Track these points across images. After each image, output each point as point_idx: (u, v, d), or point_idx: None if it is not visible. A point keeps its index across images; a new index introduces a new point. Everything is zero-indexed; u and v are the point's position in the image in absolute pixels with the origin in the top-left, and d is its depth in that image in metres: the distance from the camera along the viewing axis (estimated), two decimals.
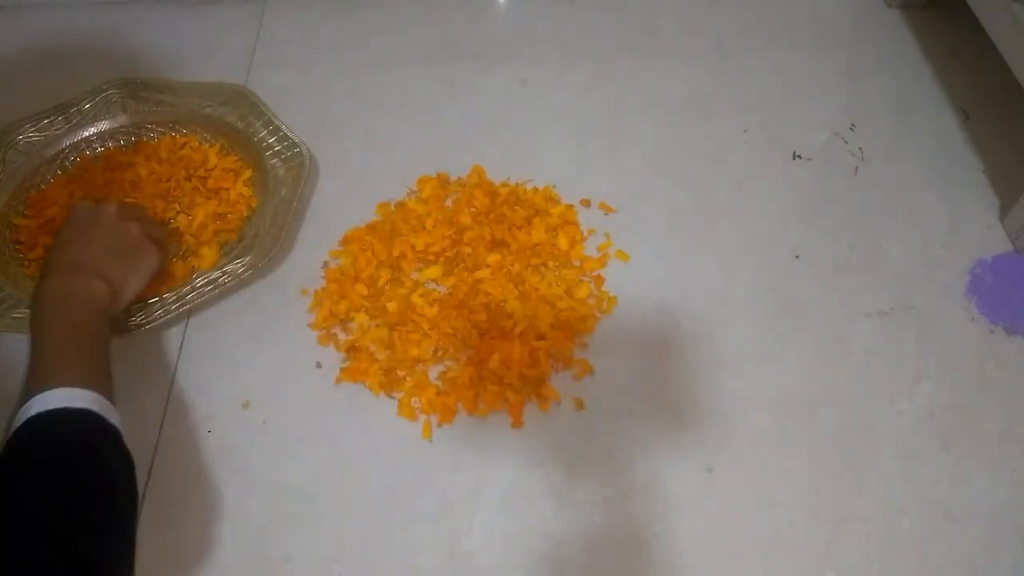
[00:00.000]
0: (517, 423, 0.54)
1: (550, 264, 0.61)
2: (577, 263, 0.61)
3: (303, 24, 0.82)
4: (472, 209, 0.64)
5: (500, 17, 0.83)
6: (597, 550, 0.49)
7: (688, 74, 0.76)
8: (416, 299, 0.59)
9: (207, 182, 0.66)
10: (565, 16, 0.82)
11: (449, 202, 0.66)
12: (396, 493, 0.52)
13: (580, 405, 0.55)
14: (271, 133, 0.68)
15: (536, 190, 0.66)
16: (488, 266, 0.60)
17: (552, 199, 0.65)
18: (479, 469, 0.53)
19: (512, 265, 0.60)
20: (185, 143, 0.69)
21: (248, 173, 0.67)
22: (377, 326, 0.58)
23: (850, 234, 0.64)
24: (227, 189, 0.66)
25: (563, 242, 0.62)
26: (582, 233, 0.63)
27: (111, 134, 0.70)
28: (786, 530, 0.50)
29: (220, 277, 0.59)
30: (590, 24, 0.81)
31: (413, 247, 0.61)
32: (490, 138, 0.71)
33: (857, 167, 0.68)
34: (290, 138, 0.67)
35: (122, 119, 0.70)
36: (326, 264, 0.63)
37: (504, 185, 0.66)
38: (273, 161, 0.66)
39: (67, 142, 0.69)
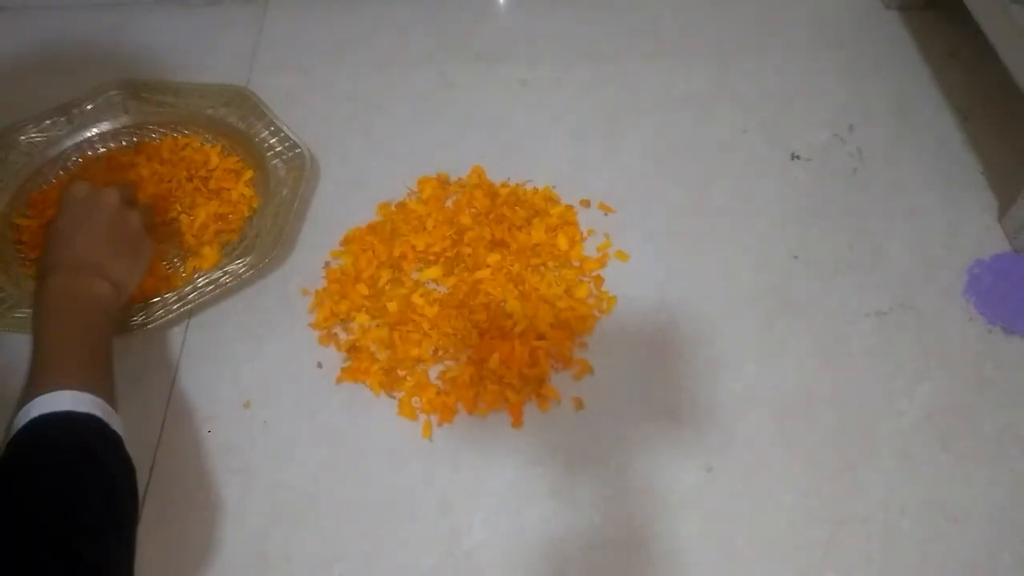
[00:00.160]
0: (517, 423, 0.54)
1: (550, 264, 0.61)
2: (577, 263, 0.62)
3: (304, 25, 0.82)
4: (472, 209, 0.64)
5: (500, 17, 0.83)
6: (597, 550, 0.49)
7: (688, 74, 0.76)
8: (416, 299, 0.59)
9: (208, 183, 0.66)
10: (565, 16, 0.82)
11: (449, 202, 0.66)
12: (396, 493, 0.52)
13: (580, 405, 0.55)
14: (272, 134, 0.68)
15: (536, 190, 0.66)
16: (488, 266, 0.60)
17: (552, 199, 0.66)
18: (479, 469, 0.53)
19: (512, 265, 0.60)
20: (187, 144, 0.69)
21: (249, 174, 0.67)
22: (378, 326, 0.58)
23: (849, 234, 0.64)
24: (228, 190, 0.66)
25: (563, 242, 0.62)
26: (582, 233, 0.64)
27: (113, 135, 0.70)
28: (786, 530, 0.50)
29: (221, 277, 0.59)
30: (590, 24, 0.81)
31: (414, 247, 0.62)
32: (490, 138, 0.71)
33: (856, 168, 0.68)
34: (291, 139, 0.67)
35: (124, 120, 0.70)
36: (327, 264, 0.63)
37: (504, 185, 0.66)
38: (274, 162, 0.66)
39: (69, 143, 0.69)
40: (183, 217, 0.64)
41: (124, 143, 0.70)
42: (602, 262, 0.62)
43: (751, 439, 0.53)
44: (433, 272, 0.61)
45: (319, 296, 0.61)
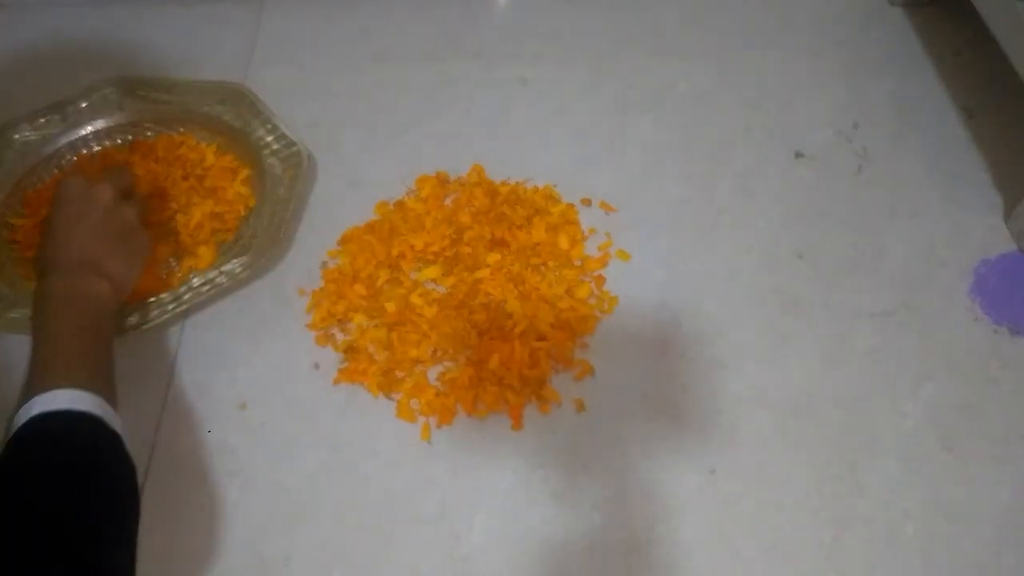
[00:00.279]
0: (517, 424, 0.54)
1: (550, 264, 0.61)
2: (578, 263, 0.61)
3: (301, 22, 0.81)
4: (472, 208, 0.63)
5: (500, 15, 0.82)
6: (598, 551, 0.49)
7: (690, 72, 0.75)
8: (415, 299, 0.58)
9: (204, 181, 0.66)
10: (565, 14, 0.81)
11: (449, 201, 0.65)
12: (395, 495, 0.52)
13: (581, 406, 0.55)
14: (269, 132, 0.67)
15: (536, 189, 0.66)
16: (488, 266, 0.60)
17: (552, 198, 0.65)
18: (479, 471, 0.52)
19: (512, 265, 0.60)
20: (182, 142, 0.68)
21: (246, 172, 0.66)
22: (376, 326, 0.58)
23: (853, 233, 0.63)
24: (224, 188, 0.65)
25: (563, 242, 0.61)
26: (583, 232, 0.63)
27: (108, 133, 0.69)
28: (788, 532, 0.50)
29: (217, 277, 0.59)
30: (591, 22, 0.80)
31: (412, 247, 0.61)
32: (490, 137, 0.71)
33: (860, 166, 0.68)
34: (288, 137, 0.66)
35: (119, 117, 0.70)
36: (324, 264, 0.62)
37: (504, 184, 0.66)
38: (271, 160, 0.66)
39: (64, 141, 0.68)
40: (178, 216, 0.64)
41: (119, 141, 0.69)
42: (603, 262, 0.62)
43: (754, 440, 0.53)
44: (432, 272, 0.60)
45: (316, 296, 0.60)
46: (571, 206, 0.65)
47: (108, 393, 0.45)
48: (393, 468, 0.53)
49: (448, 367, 0.56)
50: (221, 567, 0.49)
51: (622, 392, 0.55)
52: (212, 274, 0.59)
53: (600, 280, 0.61)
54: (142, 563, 0.42)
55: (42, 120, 0.69)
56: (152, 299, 0.58)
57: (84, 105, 0.69)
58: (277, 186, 0.64)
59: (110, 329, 0.51)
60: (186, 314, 0.60)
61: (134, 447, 0.45)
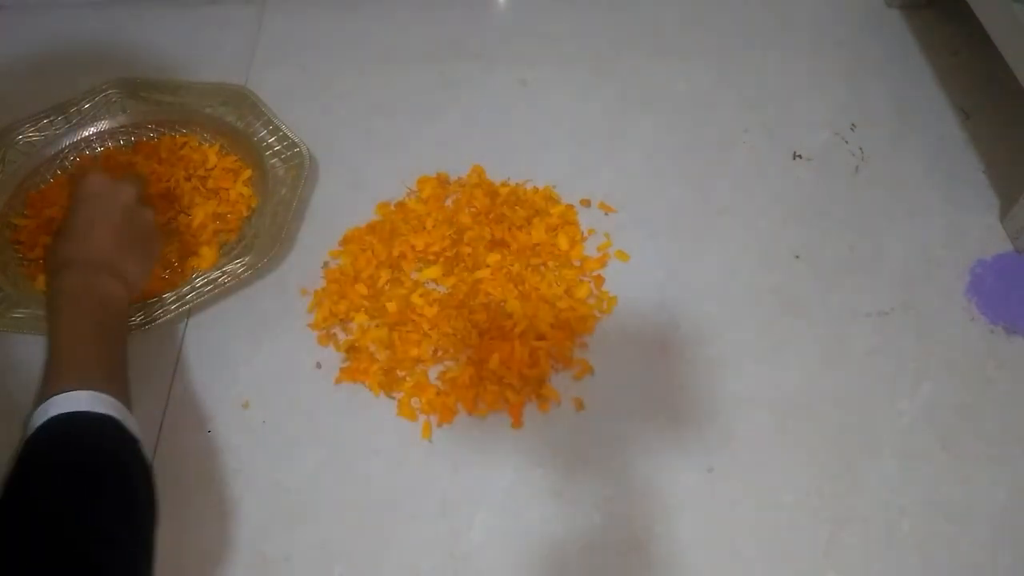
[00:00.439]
0: (517, 423, 0.54)
1: (550, 264, 0.61)
2: (577, 263, 0.61)
3: (303, 24, 0.82)
4: (472, 209, 0.64)
5: (500, 16, 0.83)
6: (597, 550, 0.49)
7: (688, 73, 0.76)
8: (416, 299, 0.59)
9: (207, 182, 0.66)
10: (565, 15, 0.81)
11: (449, 202, 0.66)
12: (396, 493, 0.52)
13: (580, 405, 0.55)
14: (271, 133, 0.68)
15: (536, 190, 0.66)
16: (488, 266, 0.60)
17: (552, 199, 0.65)
18: (479, 469, 0.53)
19: (512, 265, 0.60)
20: (185, 143, 0.69)
21: (248, 173, 0.67)
22: (377, 326, 0.58)
23: (850, 234, 0.64)
24: (227, 189, 0.65)
25: (563, 242, 0.62)
26: (582, 233, 0.63)
27: (111, 134, 0.70)
28: (786, 530, 0.50)
29: (220, 277, 0.59)
30: (590, 23, 0.81)
31: (413, 247, 0.61)
32: (490, 138, 0.71)
33: (857, 167, 0.68)
34: (290, 138, 0.67)
35: (122, 119, 0.70)
36: (326, 264, 0.63)
37: (504, 185, 0.66)
38: (273, 161, 0.66)
39: (67, 142, 0.69)
40: (181, 217, 0.64)
41: (122, 142, 0.70)
42: (603, 262, 0.62)
43: (752, 439, 0.53)
44: (433, 272, 0.60)
45: (318, 296, 0.60)
46: (571, 207, 0.65)
47: (124, 394, 0.45)
48: (394, 467, 0.53)
49: (449, 366, 0.57)
50: (222, 565, 0.49)
51: (621, 391, 0.56)
52: (215, 274, 0.59)
53: (599, 280, 0.61)
54: None
55: (45, 121, 0.69)
56: (155, 299, 0.58)
57: (87, 106, 0.70)
58: (279, 187, 0.64)
59: (125, 329, 0.51)
60: (189, 314, 0.60)
61: None
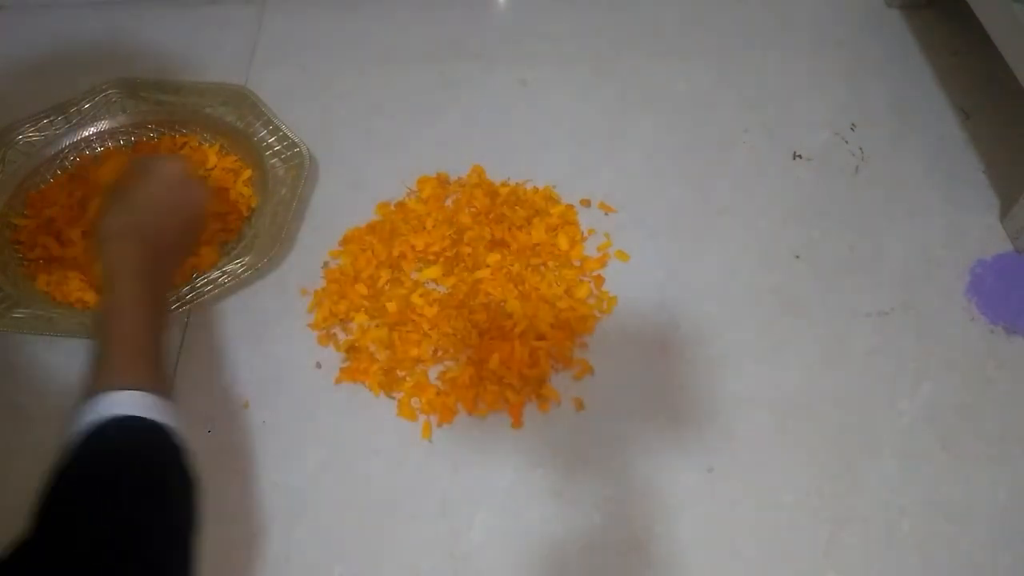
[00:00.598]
0: (517, 423, 0.54)
1: (550, 264, 0.61)
2: (577, 263, 0.61)
3: (303, 24, 0.82)
4: (472, 209, 0.64)
5: (500, 16, 0.83)
6: (597, 550, 0.49)
7: (688, 73, 0.76)
8: (416, 299, 0.59)
9: (207, 182, 0.66)
10: (565, 15, 0.82)
11: (449, 202, 0.66)
12: (396, 493, 0.52)
13: (580, 405, 0.55)
14: (271, 133, 0.68)
15: (536, 190, 0.66)
16: (488, 266, 0.60)
17: (552, 199, 0.65)
18: (479, 469, 0.53)
19: (512, 265, 0.60)
20: (185, 143, 0.69)
21: (248, 173, 0.67)
22: (377, 326, 0.58)
23: (850, 234, 0.64)
24: (227, 189, 0.65)
25: (563, 242, 0.62)
26: (582, 233, 0.63)
27: (111, 134, 0.70)
28: (786, 531, 0.50)
29: (220, 277, 0.59)
30: (590, 23, 0.81)
31: (413, 247, 0.61)
32: (490, 138, 0.71)
33: (857, 167, 0.68)
34: (290, 138, 0.67)
35: (122, 119, 0.70)
36: (326, 264, 0.63)
37: (504, 185, 0.66)
38: (273, 161, 0.66)
39: (67, 142, 0.69)
40: None
41: (122, 142, 0.70)
42: (602, 262, 0.62)
43: (752, 439, 0.53)
44: (433, 272, 0.60)
45: (318, 296, 0.60)
46: (570, 207, 0.65)
47: (167, 388, 0.44)
48: (394, 467, 0.53)
49: (449, 366, 0.57)
50: (222, 565, 0.49)
51: (621, 391, 0.56)
52: (215, 274, 0.59)
53: (599, 280, 0.61)
54: None
55: (45, 121, 0.69)
56: None
57: (87, 106, 0.70)
58: (279, 187, 0.64)
59: (168, 320, 0.50)
60: (189, 313, 0.60)
61: None
